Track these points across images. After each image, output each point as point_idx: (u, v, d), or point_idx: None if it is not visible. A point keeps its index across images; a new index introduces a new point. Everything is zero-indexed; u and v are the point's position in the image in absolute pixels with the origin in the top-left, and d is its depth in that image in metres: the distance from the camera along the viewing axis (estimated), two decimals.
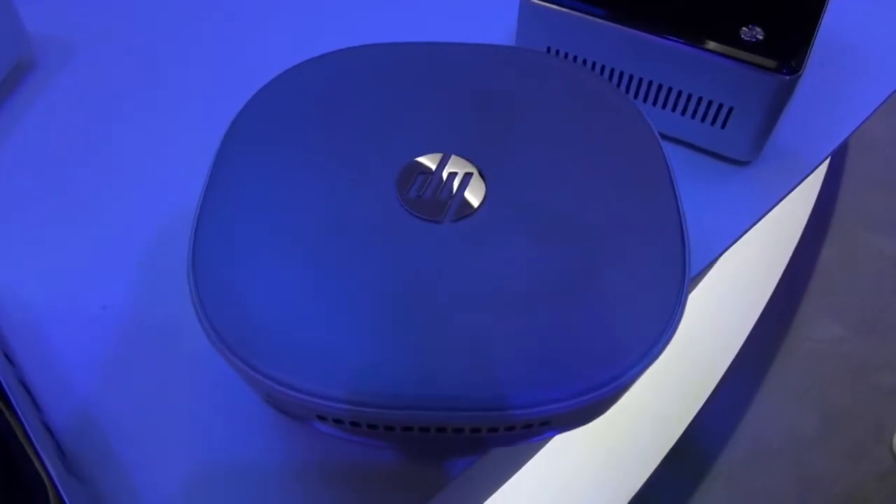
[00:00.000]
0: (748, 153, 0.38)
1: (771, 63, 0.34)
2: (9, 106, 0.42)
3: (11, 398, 0.27)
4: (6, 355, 0.31)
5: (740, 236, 0.36)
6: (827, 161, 1.35)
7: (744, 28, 0.35)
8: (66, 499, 0.25)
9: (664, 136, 0.40)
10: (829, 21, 0.46)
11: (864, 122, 0.41)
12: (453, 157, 0.29)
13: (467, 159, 0.29)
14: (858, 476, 1.05)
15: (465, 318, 0.24)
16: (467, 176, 0.29)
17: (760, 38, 0.35)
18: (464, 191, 0.28)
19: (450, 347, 0.24)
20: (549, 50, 0.39)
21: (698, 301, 0.91)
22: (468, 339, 0.24)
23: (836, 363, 1.17)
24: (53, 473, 0.25)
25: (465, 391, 0.23)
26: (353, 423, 0.25)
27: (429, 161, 0.29)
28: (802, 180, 0.38)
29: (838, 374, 1.16)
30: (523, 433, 0.25)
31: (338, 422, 0.25)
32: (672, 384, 0.95)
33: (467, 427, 0.24)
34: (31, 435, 0.26)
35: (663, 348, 0.25)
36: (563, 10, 0.37)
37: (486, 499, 0.56)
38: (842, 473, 1.06)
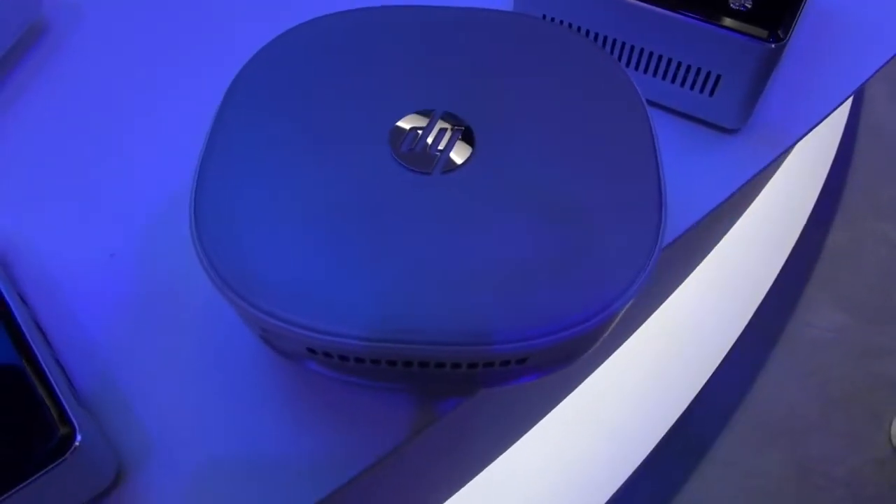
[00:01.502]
0: (736, 121, 0.39)
1: (758, 31, 0.35)
2: (23, 66, 0.43)
3: (25, 331, 0.29)
4: (20, 297, 0.33)
5: (727, 199, 0.38)
6: (835, 148, 1.33)
7: None
8: (74, 422, 0.27)
9: (657, 105, 0.41)
10: None
11: (850, 94, 0.42)
12: (445, 114, 0.31)
13: (458, 117, 0.30)
14: (857, 461, 1.06)
15: (448, 258, 0.26)
16: (457, 132, 0.30)
17: (749, 6, 0.36)
18: (453, 146, 0.29)
19: (431, 285, 0.25)
20: (544, 17, 0.40)
21: (702, 283, 0.92)
22: (449, 277, 0.25)
23: (839, 350, 1.18)
24: (63, 399, 0.27)
25: (442, 325, 0.25)
26: (342, 357, 0.26)
27: (421, 118, 0.30)
28: (789, 149, 0.39)
29: (840, 360, 1.16)
30: (503, 372, 0.27)
31: (327, 356, 0.26)
32: (673, 365, 0.96)
33: (448, 362, 0.26)
34: (44, 365, 0.28)
35: (634, 295, 0.26)
36: None
37: (481, 469, 0.58)
38: (841, 458, 1.07)
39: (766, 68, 0.36)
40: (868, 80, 0.42)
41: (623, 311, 0.27)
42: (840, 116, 1.33)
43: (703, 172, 0.39)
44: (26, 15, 0.44)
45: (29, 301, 0.34)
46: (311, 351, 0.27)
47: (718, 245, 0.86)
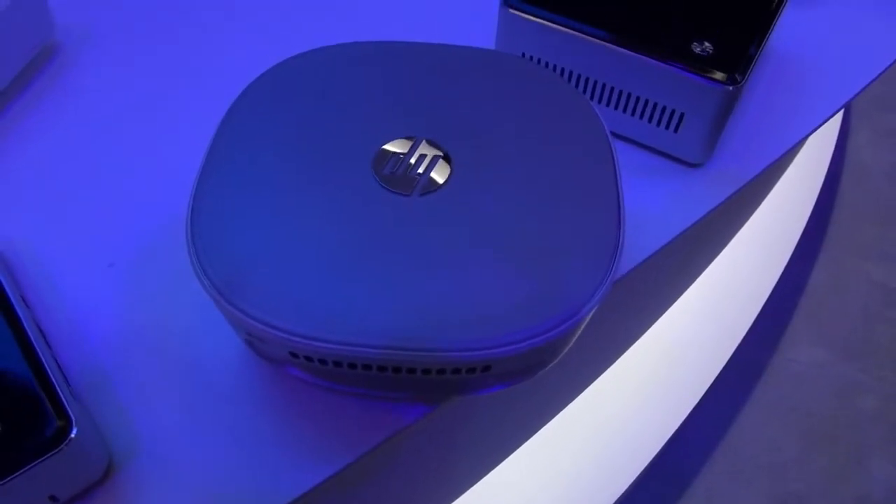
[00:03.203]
0: (699, 156, 0.42)
1: (717, 74, 0.38)
2: (35, 84, 0.46)
3: (27, 330, 0.31)
4: (23, 298, 0.35)
5: (691, 226, 0.40)
6: (819, 188, 1.37)
7: (695, 43, 0.39)
8: (71, 415, 0.29)
9: (627, 139, 0.44)
10: (787, 39, 0.50)
11: (807, 135, 0.45)
12: (425, 141, 0.33)
13: (437, 144, 0.33)
14: (837, 497, 1.07)
15: (420, 272, 0.28)
16: (435, 158, 0.33)
17: (710, 52, 0.39)
18: (431, 170, 0.32)
19: (402, 295, 0.28)
20: (524, 55, 0.43)
21: (684, 317, 0.94)
22: (419, 289, 0.28)
23: (820, 385, 1.19)
24: (60, 394, 0.29)
25: (411, 332, 0.27)
26: (321, 361, 0.28)
27: (403, 144, 0.33)
28: (748, 183, 0.42)
29: (821, 396, 1.18)
30: (471, 379, 0.29)
31: (308, 360, 0.29)
32: (655, 397, 0.97)
33: (417, 367, 0.28)
34: (44, 362, 0.30)
35: (589, 312, 0.29)
36: (537, 20, 0.41)
37: (458, 495, 0.59)
38: (821, 494, 1.08)
39: (725, 108, 0.39)
40: (823, 123, 0.46)
41: (579, 330, 0.30)
42: (824, 157, 1.37)
43: (669, 202, 0.41)
44: (40, 37, 0.47)
45: (30, 303, 0.36)
46: (293, 355, 0.29)
47: (700, 279, 0.88)
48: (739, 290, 1.11)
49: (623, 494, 0.88)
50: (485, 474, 0.64)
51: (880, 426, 1.14)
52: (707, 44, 0.39)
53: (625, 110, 0.42)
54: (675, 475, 1.07)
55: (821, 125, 0.46)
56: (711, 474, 1.08)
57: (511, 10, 0.42)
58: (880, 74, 0.50)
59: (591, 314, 0.29)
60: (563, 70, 0.42)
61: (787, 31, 0.51)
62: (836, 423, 1.14)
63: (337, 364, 0.28)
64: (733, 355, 1.06)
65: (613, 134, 0.44)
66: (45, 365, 0.30)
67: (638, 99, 0.41)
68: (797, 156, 0.91)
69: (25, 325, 0.32)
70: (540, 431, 0.71)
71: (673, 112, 0.40)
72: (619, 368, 0.80)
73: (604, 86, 0.42)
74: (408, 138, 0.33)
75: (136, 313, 0.36)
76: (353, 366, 0.28)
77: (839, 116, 1.45)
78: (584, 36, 0.40)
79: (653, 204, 0.41)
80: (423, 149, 0.33)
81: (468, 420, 0.46)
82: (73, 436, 0.28)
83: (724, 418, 1.14)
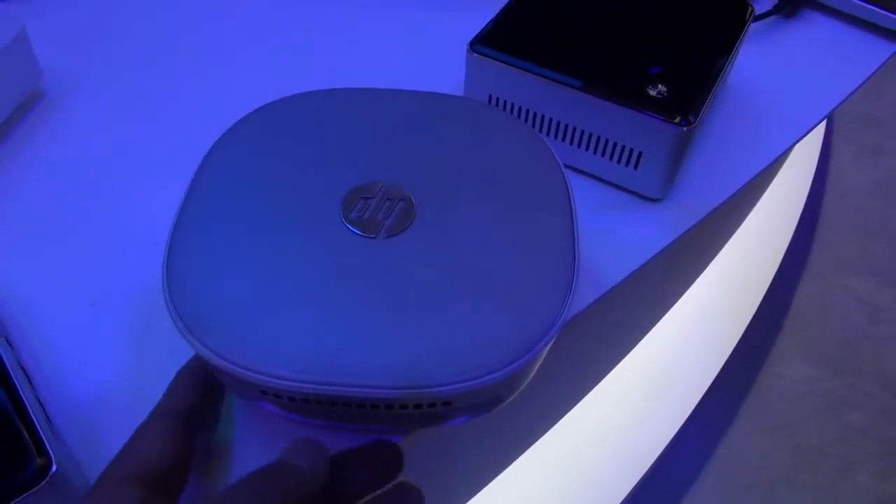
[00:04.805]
0: (658, 191, 0.44)
1: (670, 116, 0.40)
2: (20, 128, 0.48)
3: (10, 371, 0.33)
4: (6, 338, 0.37)
5: (651, 258, 0.42)
6: (801, 207, 1.38)
7: (651, 86, 0.42)
8: (50, 453, 0.30)
9: (591, 175, 0.46)
10: (742, 78, 0.53)
11: (763, 168, 0.47)
12: (391, 186, 0.35)
13: (402, 188, 0.35)
14: None
15: (382, 312, 0.30)
16: (400, 202, 0.34)
17: (665, 94, 0.41)
18: (397, 213, 0.34)
19: (363, 334, 0.29)
20: (490, 98, 0.45)
21: (671, 334, 0.95)
22: (381, 329, 0.29)
23: (807, 402, 1.21)
24: (41, 432, 0.31)
25: (371, 370, 0.29)
26: (290, 398, 0.30)
27: (370, 188, 0.35)
28: (707, 216, 0.44)
29: (809, 412, 1.19)
30: (432, 413, 0.31)
31: (277, 396, 0.30)
32: (644, 415, 0.99)
33: (380, 403, 0.29)
34: (25, 401, 0.32)
35: (545, 346, 0.30)
36: (502, 65, 0.43)
37: None
38: None
39: (680, 147, 0.41)
40: (779, 156, 0.48)
41: (536, 364, 0.32)
42: (806, 177, 1.40)
43: (630, 236, 0.43)
44: (26, 84, 0.49)
45: (14, 342, 0.38)
46: (263, 392, 0.30)
47: (686, 297, 0.89)
48: (725, 308, 1.13)
49: None
50: (471, 496, 0.65)
51: (867, 441, 1.15)
52: (661, 86, 0.42)
53: (587, 148, 0.44)
54: (664, 493, 1.08)
55: (779, 157, 0.48)
56: (701, 491, 1.09)
57: (476, 55, 0.44)
58: (836, 107, 0.52)
59: (548, 346, 0.31)
60: (527, 111, 0.44)
61: (746, 67, 0.53)
62: (823, 438, 1.16)
63: (305, 400, 0.30)
64: (720, 372, 1.08)
65: (577, 170, 0.46)
66: (27, 405, 0.32)
67: (599, 138, 0.43)
68: (778, 175, 0.94)
69: (8, 366, 0.33)
70: (527, 452, 0.72)
71: (632, 151, 0.42)
72: (606, 387, 0.81)
73: (566, 126, 0.44)
74: (374, 182, 0.35)
75: (117, 351, 0.38)
76: (319, 402, 0.30)
77: (821, 135, 1.49)
78: (544, 79, 0.42)
79: (615, 237, 0.43)
80: (388, 192, 0.35)
81: (449, 443, 0.47)
82: (52, 473, 0.30)
83: (713, 435, 1.15)
